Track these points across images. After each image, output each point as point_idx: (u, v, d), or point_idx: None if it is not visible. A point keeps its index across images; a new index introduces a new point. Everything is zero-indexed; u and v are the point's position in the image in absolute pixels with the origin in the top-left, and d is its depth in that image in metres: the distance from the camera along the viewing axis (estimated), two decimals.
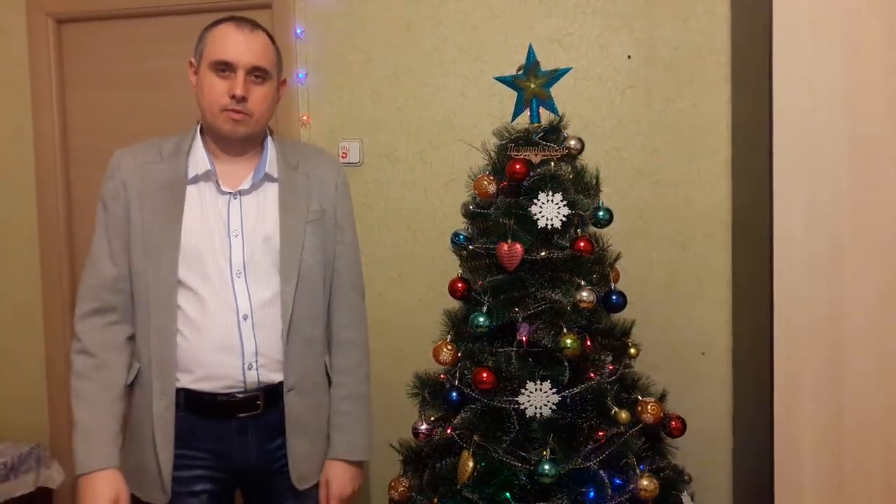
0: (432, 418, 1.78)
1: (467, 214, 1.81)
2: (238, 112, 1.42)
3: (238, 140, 1.48)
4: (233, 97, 1.41)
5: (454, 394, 1.69)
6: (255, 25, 1.46)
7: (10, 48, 2.52)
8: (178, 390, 1.44)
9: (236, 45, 1.41)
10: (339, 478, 1.57)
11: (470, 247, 1.75)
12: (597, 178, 1.77)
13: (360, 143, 2.34)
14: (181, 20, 2.44)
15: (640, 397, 1.70)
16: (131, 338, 1.49)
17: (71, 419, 1.44)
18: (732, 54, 2.13)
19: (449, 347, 1.71)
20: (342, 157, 2.33)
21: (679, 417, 1.75)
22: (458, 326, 1.75)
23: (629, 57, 2.19)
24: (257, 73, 1.44)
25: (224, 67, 1.41)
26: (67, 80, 2.53)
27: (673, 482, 1.74)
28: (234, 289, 1.44)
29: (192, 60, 1.50)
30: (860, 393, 1.65)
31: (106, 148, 2.50)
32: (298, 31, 2.34)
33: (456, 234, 1.82)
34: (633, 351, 1.79)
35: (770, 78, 1.68)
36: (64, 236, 2.53)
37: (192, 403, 1.45)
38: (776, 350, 1.70)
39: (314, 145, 1.69)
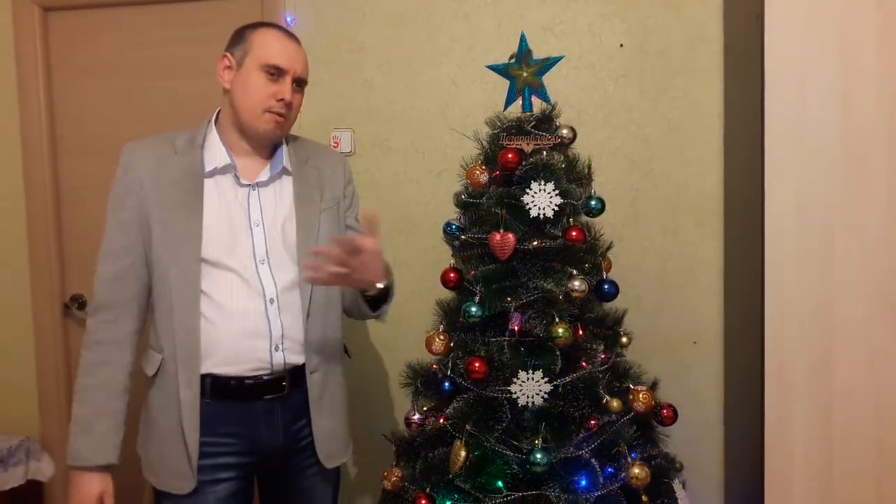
0: (425, 408, 1.78)
1: (459, 204, 1.81)
2: (281, 116, 1.48)
3: (270, 140, 1.53)
4: (280, 100, 1.47)
5: (447, 384, 1.69)
6: (296, 37, 1.53)
7: None
8: (204, 376, 1.46)
9: (288, 52, 1.47)
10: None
11: (462, 237, 1.75)
12: (589, 167, 1.77)
13: (351, 133, 2.33)
14: (168, 8, 2.42)
15: (631, 386, 1.70)
16: (137, 331, 1.51)
17: (67, 412, 1.43)
18: (725, 44, 2.13)
19: (441, 337, 1.71)
20: (333, 146, 2.32)
21: (670, 406, 1.76)
22: (450, 316, 1.75)
23: (622, 45, 2.19)
24: (299, 83, 1.51)
25: (275, 71, 1.46)
26: (54, 69, 2.50)
27: (664, 470, 1.75)
28: (259, 274, 1.48)
29: (229, 57, 1.50)
30: (851, 381, 1.66)
31: (94, 138, 2.52)
32: (289, 19, 2.32)
33: (448, 224, 1.81)
34: (624, 340, 1.80)
35: (762, 68, 1.67)
36: (53, 228, 2.50)
37: (218, 388, 1.47)
38: (767, 339, 1.70)
39: (316, 141, 1.71)
